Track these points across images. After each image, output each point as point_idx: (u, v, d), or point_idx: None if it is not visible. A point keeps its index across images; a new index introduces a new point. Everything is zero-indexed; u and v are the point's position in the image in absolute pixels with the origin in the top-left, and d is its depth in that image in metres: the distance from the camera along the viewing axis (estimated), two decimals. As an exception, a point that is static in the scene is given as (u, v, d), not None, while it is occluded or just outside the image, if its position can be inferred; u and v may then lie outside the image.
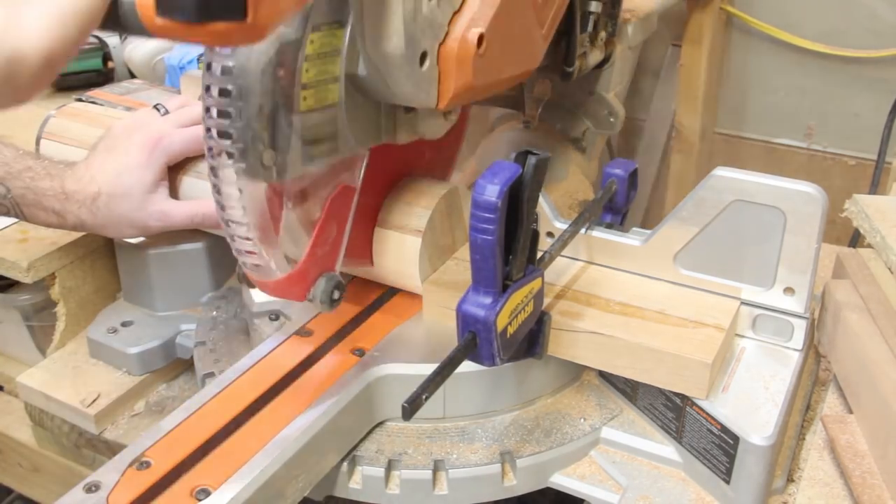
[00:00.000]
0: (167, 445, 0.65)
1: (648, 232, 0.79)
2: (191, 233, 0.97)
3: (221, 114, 0.56)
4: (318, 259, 0.68)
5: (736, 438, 0.67)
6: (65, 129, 1.03)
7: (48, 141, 1.03)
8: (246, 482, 0.62)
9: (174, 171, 0.91)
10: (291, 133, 0.59)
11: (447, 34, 0.65)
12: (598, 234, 0.81)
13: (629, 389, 0.78)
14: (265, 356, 0.76)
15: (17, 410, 1.00)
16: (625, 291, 0.78)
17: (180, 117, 0.92)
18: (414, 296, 0.82)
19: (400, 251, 0.80)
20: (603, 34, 1.05)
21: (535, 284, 0.68)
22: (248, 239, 0.63)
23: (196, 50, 1.41)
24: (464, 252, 0.84)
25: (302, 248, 0.67)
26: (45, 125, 1.04)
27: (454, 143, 0.92)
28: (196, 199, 0.90)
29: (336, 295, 0.69)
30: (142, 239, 0.96)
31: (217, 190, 0.61)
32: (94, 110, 1.07)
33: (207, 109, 0.57)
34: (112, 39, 1.57)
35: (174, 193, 0.91)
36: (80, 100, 1.26)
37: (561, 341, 0.74)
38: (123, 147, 0.88)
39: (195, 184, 0.92)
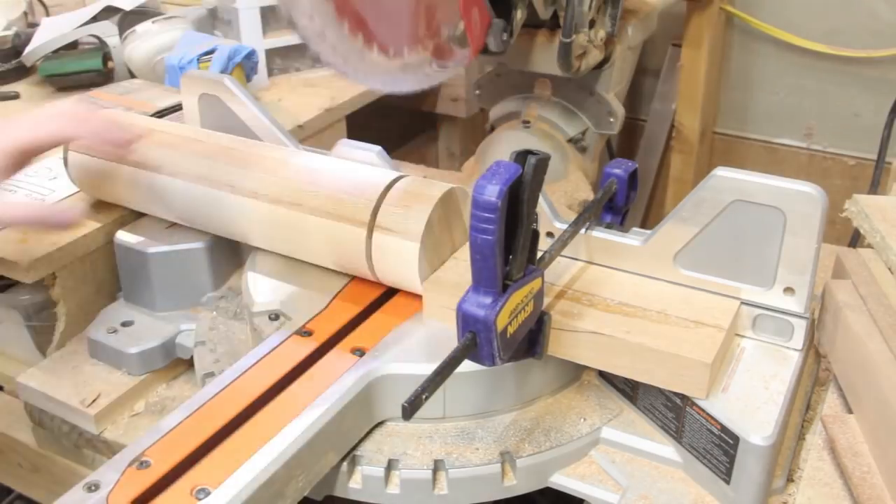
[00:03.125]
0: (167, 445, 0.65)
1: (648, 232, 0.79)
2: (191, 232, 0.97)
3: None
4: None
5: (736, 438, 0.67)
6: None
7: (75, 153, 1.00)
8: (246, 482, 0.62)
9: None
10: None
11: None
12: (598, 234, 0.81)
13: (629, 389, 0.78)
14: (265, 356, 0.76)
15: (17, 410, 1.00)
16: (625, 291, 0.78)
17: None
18: (414, 296, 0.82)
19: (399, 256, 0.80)
20: (602, 33, 1.05)
21: (535, 284, 0.68)
22: None
23: (196, 50, 1.41)
24: (464, 252, 0.84)
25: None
26: None
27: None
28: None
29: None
30: (142, 238, 0.96)
31: None
32: (121, 119, 1.03)
33: None
34: (112, 39, 1.57)
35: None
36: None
37: (561, 341, 0.74)
38: None
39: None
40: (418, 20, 0.85)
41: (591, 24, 1.04)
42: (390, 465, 0.72)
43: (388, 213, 0.81)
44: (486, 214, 0.60)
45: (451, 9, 0.87)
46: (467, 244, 0.64)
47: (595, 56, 1.07)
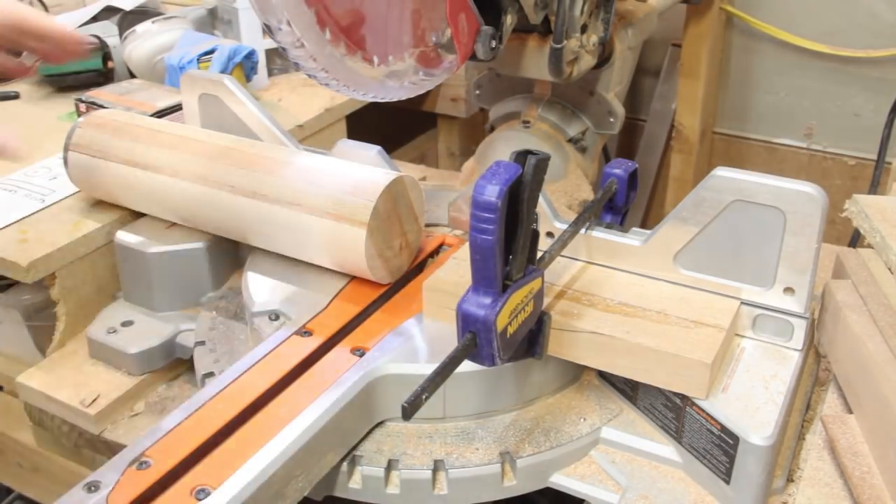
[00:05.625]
0: (167, 445, 0.65)
1: (648, 232, 0.79)
2: (191, 232, 0.97)
3: None
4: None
5: (736, 438, 0.67)
6: (92, 141, 1.00)
7: (75, 154, 1.01)
8: (246, 482, 0.62)
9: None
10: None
11: None
12: (598, 234, 0.81)
13: (629, 389, 0.78)
14: (265, 356, 0.76)
15: (17, 410, 1.00)
16: (625, 291, 0.78)
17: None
18: (414, 296, 0.82)
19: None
20: (595, 38, 1.04)
21: (535, 284, 0.68)
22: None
23: (196, 50, 1.40)
24: (464, 252, 0.85)
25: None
26: (72, 136, 1.02)
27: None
28: None
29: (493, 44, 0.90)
30: (142, 238, 0.96)
31: None
32: (121, 119, 1.03)
33: None
34: (112, 39, 1.57)
35: None
36: (80, 100, 1.26)
37: (561, 341, 0.74)
38: None
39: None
40: (403, 26, 0.84)
41: (584, 29, 1.03)
42: (390, 465, 0.72)
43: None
44: (486, 214, 0.60)
45: (437, 14, 0.86)
46: (466, 244, 0.64)
47: (587, 61, 1.06)
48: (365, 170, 0.87)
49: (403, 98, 0.89)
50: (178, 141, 0.96)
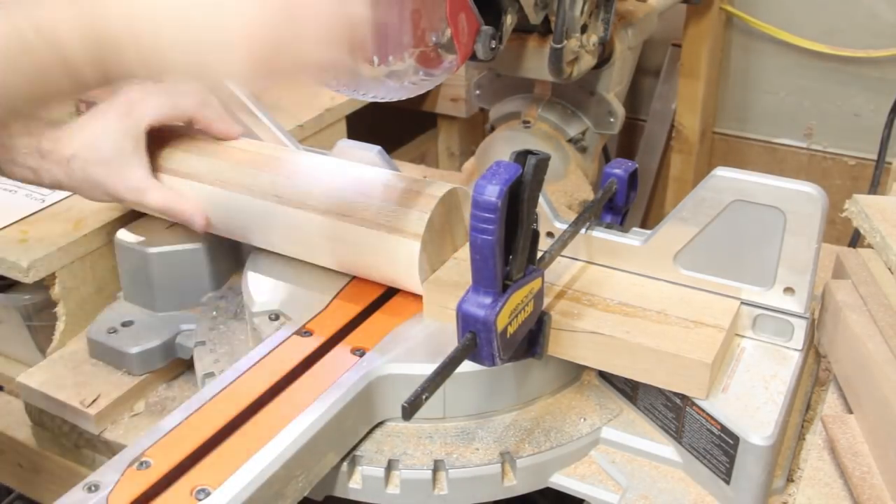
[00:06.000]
0: (167, 445, 0.66)
1: (648, 232, 0.79)
2: (191, 233, 0.97)
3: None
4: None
5: (736, 438, 0.67)
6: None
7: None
8: (246, 482, 0.62)
9: (158, 153, 0.91)
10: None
11: None
12: (598, 234, 0.81)
13: (629, 389, 0.78)
14: (265, 356, 0.76)
15: (17, 410, 1.00)
16: (625, 291, 0.78)
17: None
18: (414, 296, 0.82)
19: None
20: (595, 38, 1.05)
21: (535, 284, 0.68)
22: None
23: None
24: (464, 252, 0.85)
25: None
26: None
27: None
28: (178, 191, 0.90)
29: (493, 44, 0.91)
30: (142, 238, 0.96)
31: None
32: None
33: None
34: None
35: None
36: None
37: (561, 341, 0.74)
38: (101, 111, 0.88)
39: (172, 181, 0.91)
40: (403, 26, 0.83)
41: (584, 29, 1.03)
42: (390, 466, 0.72)
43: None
44: (486, 214, 0.60)
45: (437, 14, 0.85)
46: (467, 244, 0.64)
47: (588, 61, 1.06)
48: (414, 181, 0.84)
49: (403, 98, 0.89)
50: (214, 148, 0.93)
